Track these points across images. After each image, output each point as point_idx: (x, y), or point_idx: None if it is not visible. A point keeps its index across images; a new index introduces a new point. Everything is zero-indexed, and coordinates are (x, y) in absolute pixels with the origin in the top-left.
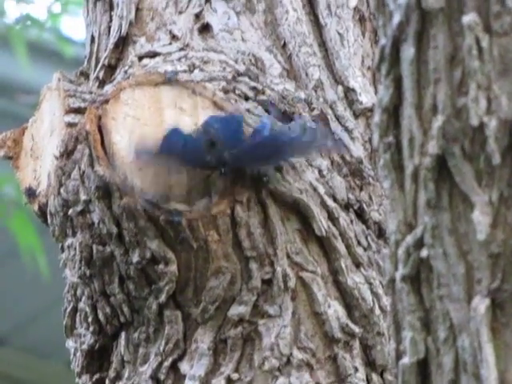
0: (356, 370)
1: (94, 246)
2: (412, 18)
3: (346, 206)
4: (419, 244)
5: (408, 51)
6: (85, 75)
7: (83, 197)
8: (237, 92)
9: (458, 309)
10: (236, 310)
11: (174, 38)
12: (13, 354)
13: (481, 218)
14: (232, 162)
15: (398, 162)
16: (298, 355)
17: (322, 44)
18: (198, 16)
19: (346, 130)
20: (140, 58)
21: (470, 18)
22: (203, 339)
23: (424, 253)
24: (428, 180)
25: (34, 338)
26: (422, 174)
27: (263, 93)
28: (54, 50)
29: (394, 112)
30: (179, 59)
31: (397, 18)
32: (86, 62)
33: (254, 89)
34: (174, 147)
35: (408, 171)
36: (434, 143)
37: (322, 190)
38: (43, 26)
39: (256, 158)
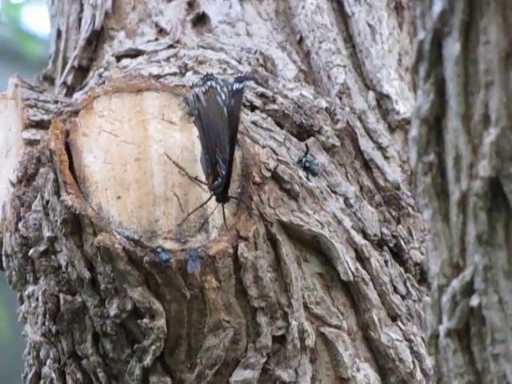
0: None
1: (61, 296)
2: (457, 6)
3: (379, 244)
4: (468, 290)
5: (452, 47)
6: (49, 80)
7: (47, 233)
8: None
9: None
10: (241, 376)
11: (161, 32)
12: None
13: None
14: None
15: (442, 186)
16: None
17: (349, 39)
18: (191, 4)
19: (380, 147)
20: (118, 58)
21: None
22: None
23: (474, 301)
24: (479, 209)
25: None
26: (472, 202)
27: (274, 101)
28: (15, 48)
29: (435, 124)
30: (168, 59)
31: (438, 6)
32: (50, 64)
33: (262, 96)
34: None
35: (454, 198)
36: (485, 163)
37: (348, 223)
38: None
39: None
